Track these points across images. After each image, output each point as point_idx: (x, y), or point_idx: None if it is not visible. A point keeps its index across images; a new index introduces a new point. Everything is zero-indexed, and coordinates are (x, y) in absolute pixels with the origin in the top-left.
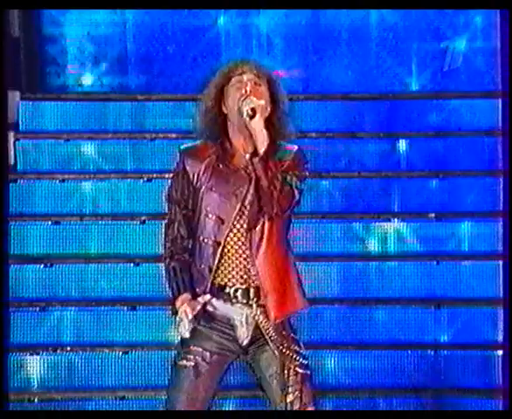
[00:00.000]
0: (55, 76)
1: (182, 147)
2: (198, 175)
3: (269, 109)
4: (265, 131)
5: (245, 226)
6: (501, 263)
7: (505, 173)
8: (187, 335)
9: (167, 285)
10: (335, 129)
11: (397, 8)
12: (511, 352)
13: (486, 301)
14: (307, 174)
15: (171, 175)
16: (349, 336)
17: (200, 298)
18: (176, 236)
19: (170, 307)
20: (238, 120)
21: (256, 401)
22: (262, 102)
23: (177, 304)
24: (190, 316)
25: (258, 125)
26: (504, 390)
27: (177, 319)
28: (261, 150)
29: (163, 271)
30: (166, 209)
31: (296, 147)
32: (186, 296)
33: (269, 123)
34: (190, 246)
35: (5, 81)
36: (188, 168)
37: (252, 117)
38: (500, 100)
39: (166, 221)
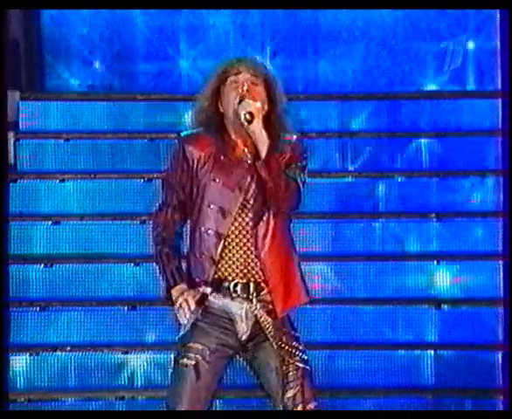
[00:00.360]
0: (55, 76)
1: (182, 133)
2: (198, 162)
3: (267, 108)
4: (264, 132)
5: (247, 219)
6: (501, 263)
7: (505, 173)
8: (187, 325)
9: (159, 273)
10: (335, 129)
11: (397, 8)
12: (511, 352)
13: (486, 301)
14: (307, 162)
15: (170, 159)
16: (349, 336)
17: (200, 289)
18: (169, 220)
19: (165, 295)
20: (235, 121)
21: (256, 401)
22: (258, 104)
23: (174, 293)
24: (193, 306)
25: (257, 128)
26: (504, 390)
27: (175, 308)
28: (263, 153)
29: (155, 259)
30: (161, 192)
31: (295, 137)
32: (183, 286)
33: (268, 122)
34: (180, 232)
35: (5, 81)
36: (188, 154)
37: (250, 121)
38: (500, 100)
39: (158, 204)
